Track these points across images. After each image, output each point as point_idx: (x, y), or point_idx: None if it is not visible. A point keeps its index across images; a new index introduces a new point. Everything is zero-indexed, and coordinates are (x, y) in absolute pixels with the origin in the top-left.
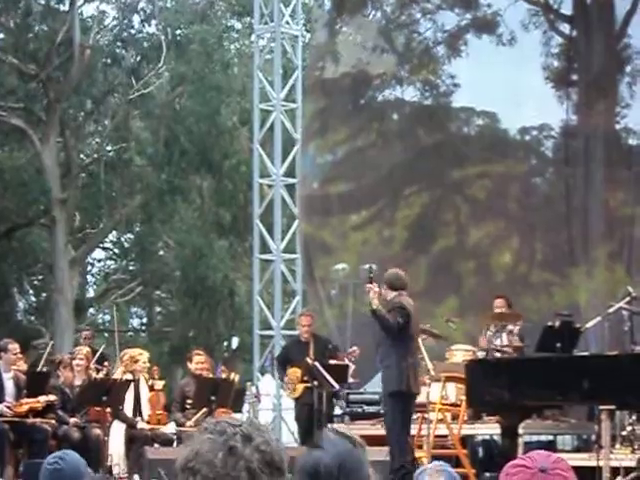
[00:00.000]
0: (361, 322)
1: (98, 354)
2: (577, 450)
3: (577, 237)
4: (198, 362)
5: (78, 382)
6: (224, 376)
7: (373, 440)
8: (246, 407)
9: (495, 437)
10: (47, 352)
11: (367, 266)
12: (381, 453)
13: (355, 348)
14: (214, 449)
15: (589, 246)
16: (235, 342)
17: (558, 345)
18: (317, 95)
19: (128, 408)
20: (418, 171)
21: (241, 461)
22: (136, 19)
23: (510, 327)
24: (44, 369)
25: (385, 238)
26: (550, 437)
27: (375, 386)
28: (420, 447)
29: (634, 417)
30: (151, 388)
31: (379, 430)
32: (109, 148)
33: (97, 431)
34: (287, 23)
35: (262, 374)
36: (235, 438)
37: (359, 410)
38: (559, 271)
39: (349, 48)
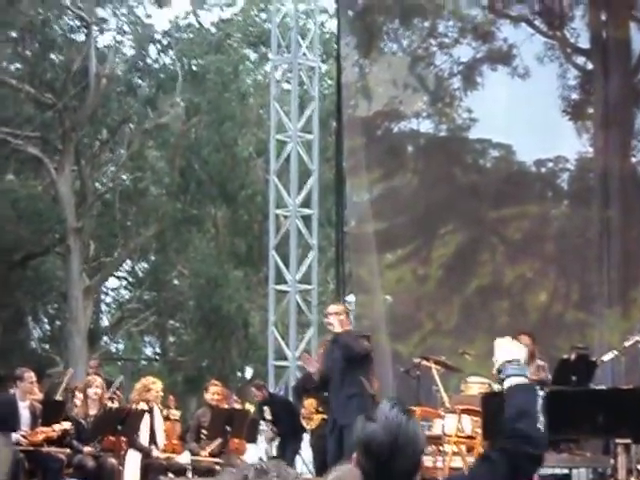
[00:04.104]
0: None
1: (114, 384)
2: None
3: (614, 278)
4: (214, 392)
5: (93, 412)
6: (238, 406)
7: None
8: (260, 438)
9: None
10: (66, 381)
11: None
12: None
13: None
14: None
15: (629, 286)
16: (249, 372)
17: (574, 378)
18: (352, 133)
19: (143, 437)
20: (454, 210)
21: None
22: (152, 49)
23: (539, 362)
24: (61, 397)
25: (420, 277)
26: (565, 471)
27: None
28: None
29: None
30: (167, 418)
31: None
32: (124, 177)
33: (112, 460)
34: (304, 54)
35: None
36: (251, 472)
37: None
38: (595, 311)
39: (380, 86)
